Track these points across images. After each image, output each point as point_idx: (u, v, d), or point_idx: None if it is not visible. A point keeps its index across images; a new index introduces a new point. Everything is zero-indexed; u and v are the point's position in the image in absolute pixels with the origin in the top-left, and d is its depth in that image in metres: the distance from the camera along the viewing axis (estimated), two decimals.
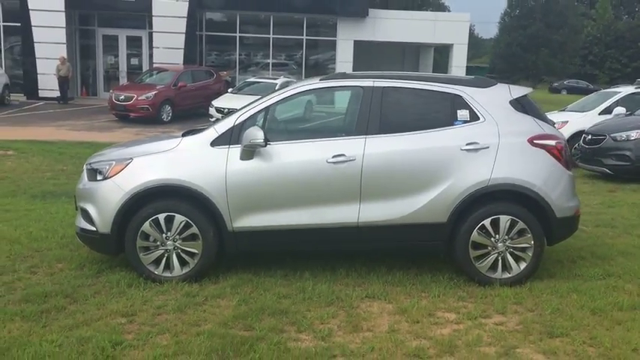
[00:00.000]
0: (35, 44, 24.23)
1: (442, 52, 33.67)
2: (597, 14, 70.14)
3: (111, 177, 5.08)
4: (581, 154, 11.65)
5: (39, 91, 24.42)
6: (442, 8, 68.33)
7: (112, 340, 3.87)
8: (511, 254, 5.11)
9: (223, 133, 5.10)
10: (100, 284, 4.97)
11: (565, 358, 3.80)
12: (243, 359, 3.70)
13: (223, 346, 3.83)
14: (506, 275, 5.12)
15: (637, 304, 4.61)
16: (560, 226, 5.21)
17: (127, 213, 4.99)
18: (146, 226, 4.98)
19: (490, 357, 3.80)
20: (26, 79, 24.99)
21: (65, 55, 23.59)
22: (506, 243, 5.08)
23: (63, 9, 24.07)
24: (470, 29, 34.23)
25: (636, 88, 14.00)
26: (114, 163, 5.14)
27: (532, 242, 5.08)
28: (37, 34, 24.12)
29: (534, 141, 5.14)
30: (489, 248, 5.10)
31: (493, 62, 72.58)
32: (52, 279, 5.08)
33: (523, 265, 5.12)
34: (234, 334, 4.03)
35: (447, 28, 27.27)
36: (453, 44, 27.61)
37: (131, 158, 5.14)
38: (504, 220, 5.05)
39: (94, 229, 5.11)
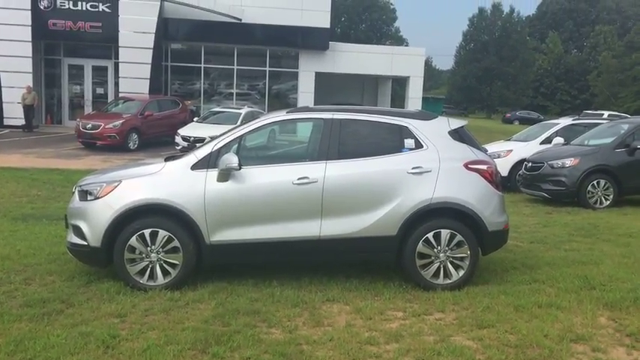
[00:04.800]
0: (1, 73, 24.52)
1: (401, 83, 35.05)
2: (548, 48, 73.43)
3: (102, 197, 5.75)
4: (522, 180, 12.72)
5: (4, 119, 24.66)
6: (401, 41, 70.72)
7: (110, 334, 4.52)
8: (451, 263, 5.94)
9: (202, 159, 5.84)
10: (91, 292, 5.60)
11: (490, 342, 4.61)
12: (223, 347, 4.38)
13: (206, 338, 4.52)
14: (447, 281, 5.94)
15: (553, 303, 5.47)
16: (492, 239, 6.09)
17: (115, 228, 5.65)
18: (133, 240, 5.65)
19: (428, 343, 4.58)
20: None
21: (31, 84, 23.93)
22: (447, 253, 5.92)
23: (30, 39, 24.50)
24: (427, 61, 35.86)
25: (573, 120, 15.26)
26: (104, 184, 5.81)
27: (468, 252, 5.93)
28: (3, 64, 24.39)
29: (469, 165, 6.04)
30: (432, 258, 5.92)
31: (450, 93, 75.06)
32: (47, 288, 5.68)
33: (461, 273, 5.95)
34: (215, 329, 4.72)
35: (403, 62, 28.70)
36: (409, 77, 28.98)
37: (120, 180, 5.82)
38: (445, 233, 5.89)
39: (86, 243, 5.74)
